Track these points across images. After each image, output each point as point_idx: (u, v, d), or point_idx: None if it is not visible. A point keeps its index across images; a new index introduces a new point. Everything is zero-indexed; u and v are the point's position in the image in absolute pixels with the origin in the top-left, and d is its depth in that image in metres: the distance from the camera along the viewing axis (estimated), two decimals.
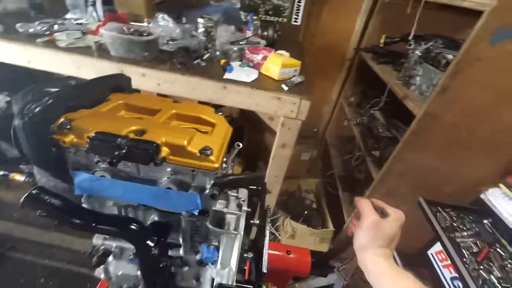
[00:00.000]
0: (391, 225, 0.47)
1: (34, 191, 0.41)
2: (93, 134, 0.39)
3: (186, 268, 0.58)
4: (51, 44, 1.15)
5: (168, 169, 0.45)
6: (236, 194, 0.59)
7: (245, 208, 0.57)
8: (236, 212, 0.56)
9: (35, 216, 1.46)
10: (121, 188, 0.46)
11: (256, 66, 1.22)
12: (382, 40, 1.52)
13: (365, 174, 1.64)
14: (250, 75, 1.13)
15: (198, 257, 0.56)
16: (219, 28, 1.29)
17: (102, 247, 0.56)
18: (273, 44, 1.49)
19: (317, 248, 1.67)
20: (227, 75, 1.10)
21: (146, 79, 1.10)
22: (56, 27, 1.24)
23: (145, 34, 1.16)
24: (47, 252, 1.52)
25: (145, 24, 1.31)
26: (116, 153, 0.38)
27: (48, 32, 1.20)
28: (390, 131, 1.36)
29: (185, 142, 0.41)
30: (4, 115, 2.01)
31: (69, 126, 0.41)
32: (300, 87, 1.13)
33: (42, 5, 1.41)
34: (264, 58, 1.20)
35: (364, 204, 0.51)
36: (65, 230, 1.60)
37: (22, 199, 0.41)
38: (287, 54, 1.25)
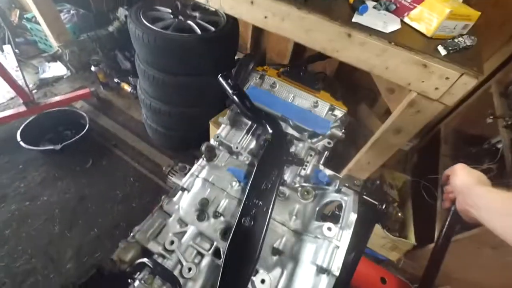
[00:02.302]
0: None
1: (226, 73, 0.73)
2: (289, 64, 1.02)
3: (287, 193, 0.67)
4: None
5: (312, 99, 0.84)
6: None
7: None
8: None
9: (135, 124, 1.63)
10: (275, 101, 0.80)
11: (399, 12, 0.86)
12: None
13: None
14: (389, 23, 0.80)
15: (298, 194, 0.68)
16: None
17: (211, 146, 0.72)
18: None
19: (383, 254, 1.44)
20: (356, 18, 0.80)
21: (253, 9, 0.91)
22: None
23: None
24: (138, 158, 1.79)
25: None
26: (301, 73, 0.84)
27: None
28: None
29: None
30: (123, 29, 2.23)
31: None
32: (465, 54, 0.74)
33: None
34: (417, 0, 0.81)
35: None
36: (152, 144, 1.83)
37: (220, 76, 0.76)
38: None
